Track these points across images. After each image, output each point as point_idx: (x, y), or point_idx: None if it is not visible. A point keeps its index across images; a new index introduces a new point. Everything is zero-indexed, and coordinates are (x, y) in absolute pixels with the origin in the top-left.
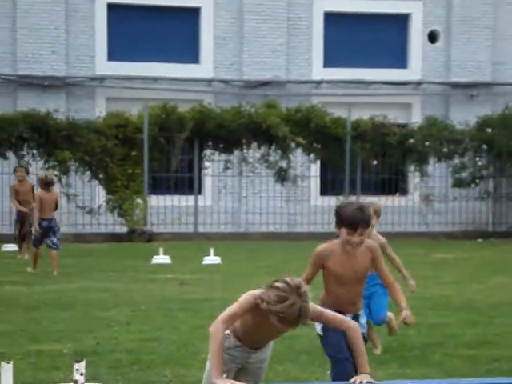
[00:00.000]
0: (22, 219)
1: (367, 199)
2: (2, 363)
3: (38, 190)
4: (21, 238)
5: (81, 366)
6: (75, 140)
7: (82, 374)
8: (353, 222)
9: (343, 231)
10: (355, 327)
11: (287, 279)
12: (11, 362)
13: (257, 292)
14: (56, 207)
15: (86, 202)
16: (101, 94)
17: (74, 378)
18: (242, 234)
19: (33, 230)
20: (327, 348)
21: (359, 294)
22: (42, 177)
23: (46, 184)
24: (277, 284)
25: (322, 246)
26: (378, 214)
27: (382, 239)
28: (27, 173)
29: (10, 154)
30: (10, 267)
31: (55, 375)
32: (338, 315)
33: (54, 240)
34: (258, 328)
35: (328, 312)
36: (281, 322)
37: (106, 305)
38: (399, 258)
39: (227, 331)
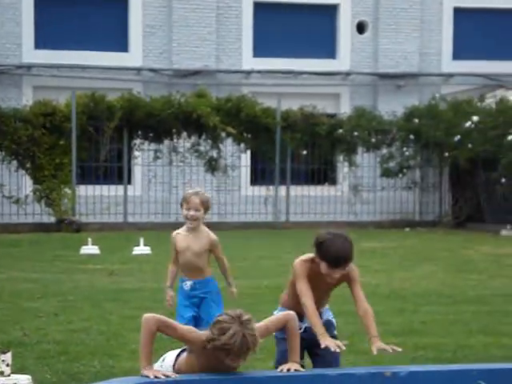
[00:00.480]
0: None
1: (297, 189)
2: None
3: None
4: None
5: (7, 357)
6: (1, 129)
7: (8, 365)
8: (336, 260)
9: (323, 265)
10: (293, 316)
11: (228, 311)
12: None
13: (203, 335)
14: None
15: (13, 191)
16: (28, 82)
17: (1, 370)
18: (173, 224)
19: None
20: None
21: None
22: None
23: None
24: (218, 318)
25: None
26: (206, 206)
27: (213, 236)
28: None
29: None
30: None
31: None
32: (278, 317)
33: None
34: (206, 369)
35: (270, 321)
36: (229, 355)
37: (33, 295)
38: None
39: (170, 366)
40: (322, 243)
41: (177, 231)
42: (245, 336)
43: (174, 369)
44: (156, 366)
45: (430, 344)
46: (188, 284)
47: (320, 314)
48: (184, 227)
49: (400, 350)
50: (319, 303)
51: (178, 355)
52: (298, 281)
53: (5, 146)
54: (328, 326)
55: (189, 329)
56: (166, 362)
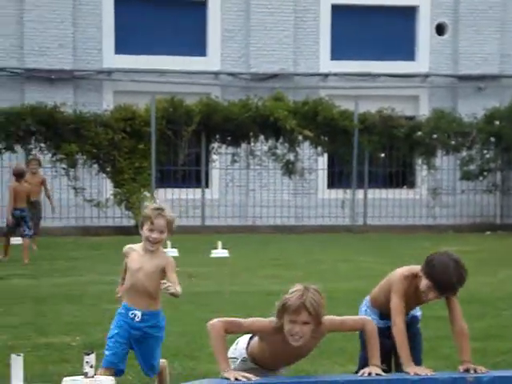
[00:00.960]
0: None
1: (375, 192)
2: (12, 355)
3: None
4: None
5: (91, 359)
6: (82, 133)
7: (91, 367)
8: (445, 287)
9: (426, 284)
10: (370, 322)
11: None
12: (21, 355)
13: (270, 321)
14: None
15: (94, 195)
16: (108, 87)
17: (84, 371)
18: (250, 227)
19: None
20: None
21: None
22: (14, 168)
23: (17, 175)
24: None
25: None
26: (171, 227)
27: (170, 259)
28: (40, 165)
29: (18, 148)
30: (18, 261)
31: (64, 368)
32: (355, 318)
33: (26, 229)
34: (275, 355)
35: (347, 319)
36: (287, 315)
37: (113, 298)
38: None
39: (244, 354)
40: (434, 264)
41: (130, 246)
42: (303, 295)
43: (247, 351)
44: (230, 350)
45: (511, 349)
46: (138, 315)
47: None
48: (140, 245)
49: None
50: (410, 309)
51: (251, 338)
52: (395, 296)
53: (86, 150)
54: (413, 321)
55: (253, 320)
56: (240, 345)
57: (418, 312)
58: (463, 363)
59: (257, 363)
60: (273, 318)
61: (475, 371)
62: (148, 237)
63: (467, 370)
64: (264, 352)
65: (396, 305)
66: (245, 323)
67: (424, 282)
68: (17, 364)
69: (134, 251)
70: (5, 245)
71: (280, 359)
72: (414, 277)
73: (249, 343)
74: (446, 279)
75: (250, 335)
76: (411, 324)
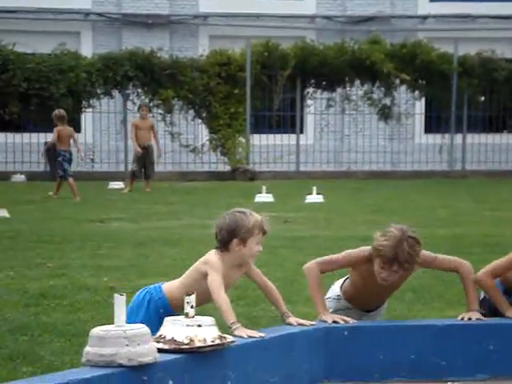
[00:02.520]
0: (143, 156)
1: (474, 137)
2: (115, 295)
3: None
4: (133, 174)
5: (191, 299)
6: (178, 78)
7: (192, 307)
8: None
9: None
10: (467, 265)
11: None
12: (124, 294)
13: (367, 247)
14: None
15: (190, 140)
16: (204, 32)
17: (185, 311)
18: (344, 173)
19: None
20: None
21: None
22: (57, 112)
23: (60, 119)
24: (387, 229)
25: None
26: None
27: None
28: (149, 111)
29: (116, 93)
30: (117, 204)
31: None
32: (451, 258)
33: (60, 171)
34: (368, 287)
35: (442, 257)
36: (380, 260)
37: (211, 241)
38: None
39: (338, 292)
40: None
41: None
42: (398, 245)
43: (341, 289)
44: (328, 291)
45: None
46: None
47: None
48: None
49: None
50: None
51: (346, 279)
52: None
53: (182, 95)
54: None
55: (346, 252)
56: (335, 285)
57: None
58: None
59: (350, 301)
60: (365, 248)
61: None
62: (255, 252)
63: None
64: (357, 284)
65: None
66: (339, 258)
67: None
68: (119, 304)
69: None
70: (68, 186)
71: (373, 291)
72: None
73: (343, 282)
74: None
75: (344, 278)
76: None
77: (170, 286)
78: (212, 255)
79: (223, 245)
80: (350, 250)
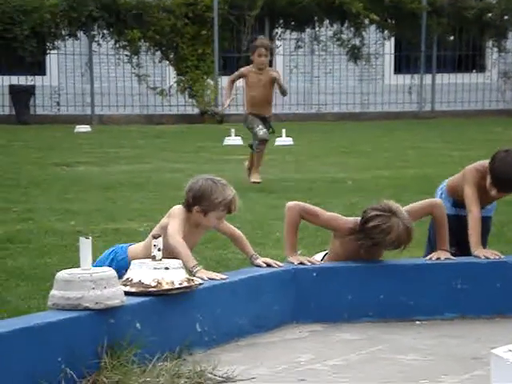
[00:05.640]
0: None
1: (444, 77)
2: (81, 238)
3: None
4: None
5: (158, 242)
6: (145, 19)
7: (159, 250)
8: (503, 183)
9: (489, 181)
10: (439, 204)
11: (374, 205)
12: (90, 237)
13: (349, 222)
14: None
15: (157, 83)
16: None
17: (152, 254)
18: (314, 115)
19: None
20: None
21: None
22: None
23: None
24: (370, 215)
25: None
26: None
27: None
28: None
29: (81, 34)
30: (83, 148)
31: None
32: (422, 204)
33: None
34: (347, 258)
35: (413, 207)
36: (381, 247)
37: (179, 185)
38: None
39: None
40: (495, 157)
41: None
42: (396, 233)
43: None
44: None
45: None
46: None
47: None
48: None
49: None
50: (486, 204)
51: (325, 255)
52: (467, 186)
53: (148, 36)
54: (485, 221)
55: (332, 215)
56: (316, 256)
57: (490, 212)
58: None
59: None
60: (350, 219)
61: None
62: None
63: None
64: (336, 256)
65: (470, 194)
66: (322, 216)
67: (488, 178)
68: (85, 247)
69: None
70: None
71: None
72: (486, 171)
73: (322, 258)
74: (504, 174)
75: (325, 252)
76: (484, 221)
77: (135, 248)
78: (175, 209)
79: (187, 205)
80: (334, 215)
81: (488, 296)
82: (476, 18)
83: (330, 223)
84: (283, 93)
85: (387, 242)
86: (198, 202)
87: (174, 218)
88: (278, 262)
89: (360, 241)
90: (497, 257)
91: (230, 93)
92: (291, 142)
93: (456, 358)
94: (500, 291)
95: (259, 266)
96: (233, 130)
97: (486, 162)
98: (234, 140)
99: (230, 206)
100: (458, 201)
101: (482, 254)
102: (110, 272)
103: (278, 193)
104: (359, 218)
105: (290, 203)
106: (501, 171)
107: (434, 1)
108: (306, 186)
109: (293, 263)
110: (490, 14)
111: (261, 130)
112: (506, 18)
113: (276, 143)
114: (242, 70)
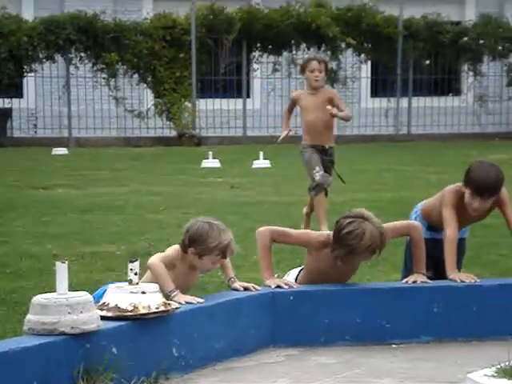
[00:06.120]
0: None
1: (420, 100)
2: (57, 263)
3: None
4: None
5: (135, 266)
6: (122, 42)
7: (136, 274)
8: (479, 187)
9: (467, 193)
10: (417, 226)
11: (347, 213)
12: (66, 262)
13: (321, 236)
14: None
15: (135, 105)
16: None
17: (129, 278)
18: (292, 138)
19: None
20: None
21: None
22: None
23: None
24: (342, 224)
25: None
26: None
27: None
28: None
29: (58, 57)
30: (61, 171)
31: (109, 276)
32: (402, 223)
33: None
34: (323, 274)
35: (393, 225)
36: (356, 255)
37: (157, 208)
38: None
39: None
40: (470, 169)
41: None
42: (379, 234)
43: (295, 281)
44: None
45: None
46: None
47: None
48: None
49: None
50: (463, 227)
51: (301, 270)
52: (445, 208)
53: (126, 59)
54: (459, 243)
55: (302, 232)
56: (291, 275)
57: (465, 234)
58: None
59: None
60: (322, 233)
61: None
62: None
63: None
64: (312, 271)
65: (448, 215)
66: (293, 234)
67: (466, 193)
68: (61, 271)
69: None
70: None
71: (326, 279)
72: (463, 191)
73: (298, 273)
74: (482, 179)
75: (300, 268)
76: (459, 243)
77: None
78: (171, 247)
79: (183, 246)
80: (305, 231)
81: (464, 319)
82: (452, 42)
83: (302, 240)
84: (345, 118)
85: (362, 248)
86: (193, 244)
87: (165, 251)
88: (256, 286)
89: (335, 251)
90: (472, 280)
91: (287, 124)
92: (269, 165)
93: (432, 381)
94: (476, 315)
95: (236, 290)
96: (210, 153)
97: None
98: (211, 162)
99: (225, 251)
100: (432, 224)
101: (457, 277)
102: (86, 296)
103: (255, 216)
104: (331, 232)
105: (260, 228)
106: (479, 178)
107: (410, 25)
108: (284, 209)
109: (270, 286)
110: (465, 38)
111: (318, 173)
112: (481, 42)
113: (254, 166)
114: (293, 93)
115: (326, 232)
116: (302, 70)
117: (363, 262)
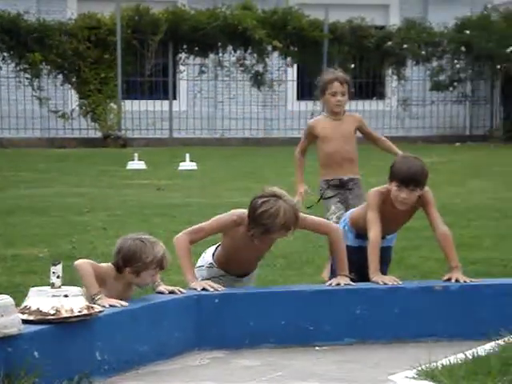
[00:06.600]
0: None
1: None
2: None
3: None
4: None
5: (58, 269)
6: (46, 42)
7: (58, 277)
8: (405, 176)
9: (393, 187)
10: (336, 229)
11: (262, 193)
12: None
13: (237, 211)
14: None
15: (59, 106)
16: None
17: (51, 281)
18: (218, 140)
19: None
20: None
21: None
22: None
23: None
24: (257, 202)
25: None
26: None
27: None
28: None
29: None
30: None
31: (32, 279)
32: (324, 222)
33: None
34: (239, 251)
35: (316, 219)
36: (269, 233)
37: (81, 210)
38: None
39: (210, 260)
40: (394, 163)
41: None
42: (292, 211)
43: (213, 258)
44: (199, 260)
45: (480, 258)
46: None
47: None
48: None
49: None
50: (389, 232)
51: (218, 247)
52: (369, 211)
53: (50, 59)
54: (385, 250)
55: (213, 219)
56: (207, 253)
57: (392, 242)
58: (451, 270)
59: (223, 268)
60: (234, 212)
61: (457, 281)
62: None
63: (449, 280)
64: (228, 249)
65: (371, 218)
66: (206, 225)
67: (393, 188)
68: None
69: None
70: None
71: (243, 256)
72: (388, 191)
73: (215, 250)
74: (406, 169)
75: (217, 244)
76: (384, 251)
77: None
78: (105, 264)
79: (117, 267)
80: (218, 216)
81: (386, 321)
82: (376, 46)
83: (216, 227)
84: (393, 152)
85: (277, 226)
86: (128, 263)
87: (100, 264)
88: (181, 289)
89: (251, 230)
90: (395, 282)
91: (302, 174)
92: (195, 167)
93: (355, 383)
94: (398, 316)
95: (162, 293)
96: (136, 155)
97: (387, 185)
98: (137, 164)
99: (162, 263)
100: (360, 232)
101: (380, 279)
102: (8, 300)
103: (181, 218)
104: (244, 210)
105: (177, 236)
106: (403, 168)
107: (336, 29)
108: (210, 211)
109: (195, 289)
110: (389, 43)
111: (333, 215)
112: (405, 46)
113: (180, 168)
114: (310, 122)
115: (238, 210)
116: (322, 92)
117: (280, 238)
